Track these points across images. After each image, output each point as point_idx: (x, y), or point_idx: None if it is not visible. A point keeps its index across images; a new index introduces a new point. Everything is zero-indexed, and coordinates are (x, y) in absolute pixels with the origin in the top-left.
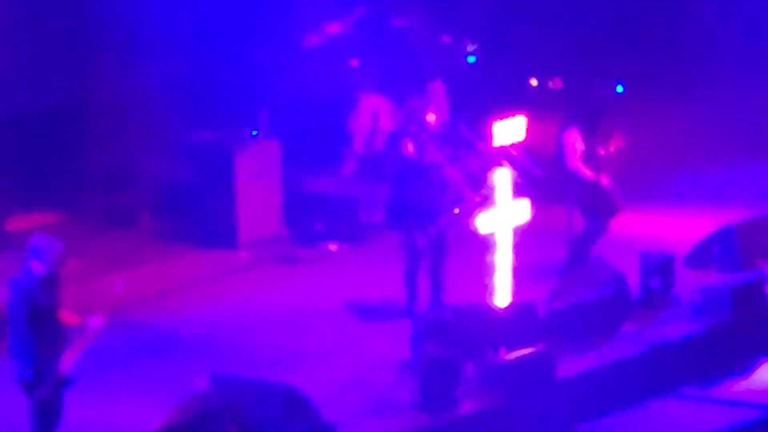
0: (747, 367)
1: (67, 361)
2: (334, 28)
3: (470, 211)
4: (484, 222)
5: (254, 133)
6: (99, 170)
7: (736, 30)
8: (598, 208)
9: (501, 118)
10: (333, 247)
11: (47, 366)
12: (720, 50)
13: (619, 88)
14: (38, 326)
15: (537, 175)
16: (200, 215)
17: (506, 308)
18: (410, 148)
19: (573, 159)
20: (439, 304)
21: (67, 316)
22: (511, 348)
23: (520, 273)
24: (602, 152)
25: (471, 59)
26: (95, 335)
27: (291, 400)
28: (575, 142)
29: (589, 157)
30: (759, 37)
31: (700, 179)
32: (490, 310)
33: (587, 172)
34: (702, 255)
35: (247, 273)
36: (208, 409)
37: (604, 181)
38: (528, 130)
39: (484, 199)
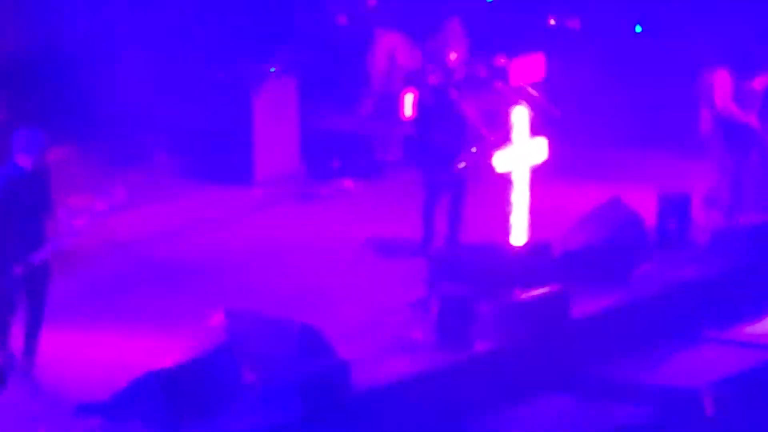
0: (763, 309)
1: (40, 254)
2: None
3: (488, 150)
4: (501, 161)
5: (272, 69)
6: (115, 106)
7: None
8: (744, 146)
9: (519, 57)
10: (349, 184)
11: (8, 265)
12: None
13: (638, 28)
14: (13, 221)
15: (554, 113)
16: (217, 152)
17: (522, 247)
18: (427, 85)
19: (724, 99)
20: (456, 243)
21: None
22: (526, 287)
23: (536, 212)
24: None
25: None
26: (117, 207)
27: (306, 338)
28: (725, 82)
29: (738, 96)
30: None
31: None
32: (506, 250)
33: (738, 112)
34: (718, 196)
35: (263, 210)
36: (222, 345)
37: (753, 120)
38: (546, 69)
39: (502, 137)
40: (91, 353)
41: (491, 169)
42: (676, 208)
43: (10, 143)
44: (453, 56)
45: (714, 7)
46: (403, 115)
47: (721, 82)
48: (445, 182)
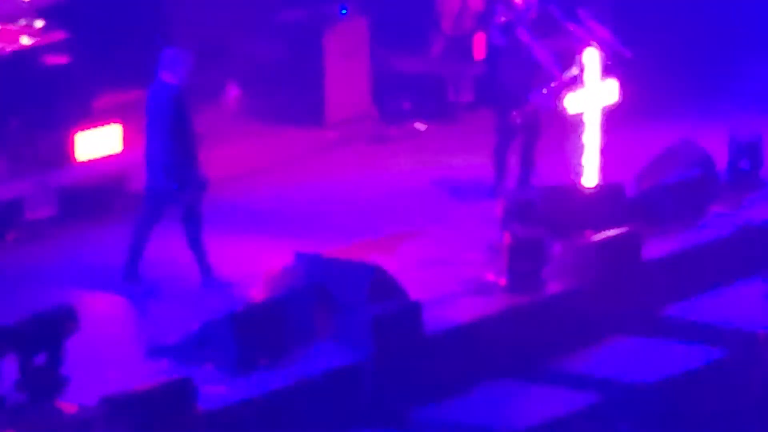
0: None
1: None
2: None
3: (559, 92)
4: (572, 102)
5: (343, 11)
6: (187, 47)
7: None
8: None
9: None
10: (421, 126)
11: (189, 172)
12: None
13: None
14: (181, 135)
15: (626, 55)
16: (289, 93)
17: (594, 189)
18: (499, 27)
19: None
20: (528, 185)
21: None
22: (598, 229)
23: (608, 153)
24: None
25: None
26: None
27: (377, 280)
28: None
29: None
30: None
31: None
32: (578, 191)
33: None
34: None
35: (335, 152)
36: (294, 287)
37: None
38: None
39: (573, 79)
40: (163, 294)
41: (563, 110)
42: (747, 148)
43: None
44: None
45: None
46: (475, 57)
47: None
48: (517, 124)
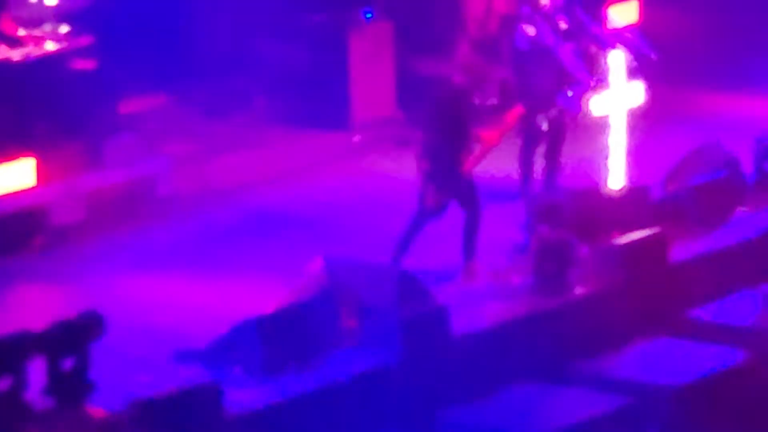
0: None
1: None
2: None
3: (585, 94)
4: (598, 105)
5: (368, 15)
6: (212, 52)
7: None
8: None
9: (616, 1)
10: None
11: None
12: None
13: None
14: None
15: (651, 57)
16: (314, 97)
17: (620, 191)
18: (525, 30)
19: None
20: (555, 187)
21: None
22: (624, 231)
23: (634, 156)
24: None
25: None
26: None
27: (405, 283)
28: None
29: None
30: None
31: None
32: (604, 193)
33: None
34: None
35: (361, 155)
36: (322, 290)
37: None
38: (642, 13)
39: (599, 81)
40: (191, 300)
41: (589, 113)
42: None
43: None
44: (550, 1)
45: None
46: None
47: None
48: (542, 126)
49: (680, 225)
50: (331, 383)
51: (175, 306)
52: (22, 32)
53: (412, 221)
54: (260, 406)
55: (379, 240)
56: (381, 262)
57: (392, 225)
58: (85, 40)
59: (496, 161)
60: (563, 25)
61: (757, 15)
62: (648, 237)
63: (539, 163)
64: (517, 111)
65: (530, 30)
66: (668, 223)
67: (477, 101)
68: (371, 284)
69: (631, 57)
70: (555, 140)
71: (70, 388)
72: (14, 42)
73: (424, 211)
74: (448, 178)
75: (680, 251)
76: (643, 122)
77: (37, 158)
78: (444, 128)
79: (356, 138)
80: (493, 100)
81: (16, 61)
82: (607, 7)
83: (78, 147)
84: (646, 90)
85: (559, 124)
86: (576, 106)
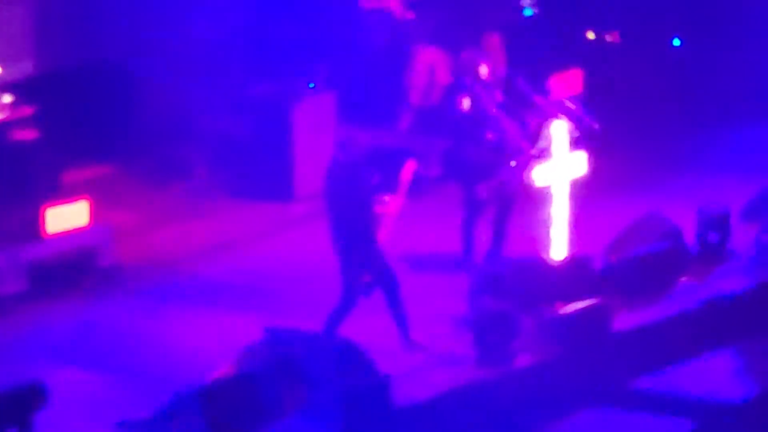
0: None
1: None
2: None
3: (527, 164)
4: (540, 175)
5: (311, 85)
6: (156, 123)
7: None
8: None
9: (558, 71)
10: (388, 200)
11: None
12: None
13: (677, 42)
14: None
15: (594, 128)
16: (256, 168)
17: (563, 261)
18: (467, 101)
19: None
20: (501, 257)
21: None
22: (566, 302)
23: (576, 226)
24: None
25: (528, 12)
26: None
27: (346, 354)
28: None
29: None
30: None
31: (759, 133)
32: (547, 264)
33: None
34: (758, 209)
35: (303, 226)
36: (264, 361)
37: None
38: (584, 83)
39: (542, 151)
40: (133, 370)
41: (531, 183)
42: (715, 221)
43: None
44: (491, 71)
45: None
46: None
47: None
48: (483, 197)
49: (622, 295)
50: None
51: (117, 376)
52: None
53: (343, 299)
54: None
55: (322, 311)
56: (323, 334)
57: (335, 297)
58: (28, 110)
59: (439, 232)
60: (505, 96)
61: (699, 86)
62: (590, 307)
63: (486, 233)
64: (409, 167)
65: (472, 100)
66: (610, 293)
67: (420, 172)
68: (313, 355)
69: (573, 127)
70: (502, 210)
71: None
72: None
73: (351, 291)
74: (365, 255)
75: (623, 322)
76: (585, 192)
77: None
78: (343, 209)
79: (298, 209)
80: (435, 171)
81: None
82: (549, 77)
83: (20, 216)
84: (589, 160)
85: (504, 194)
86: (518, 177)
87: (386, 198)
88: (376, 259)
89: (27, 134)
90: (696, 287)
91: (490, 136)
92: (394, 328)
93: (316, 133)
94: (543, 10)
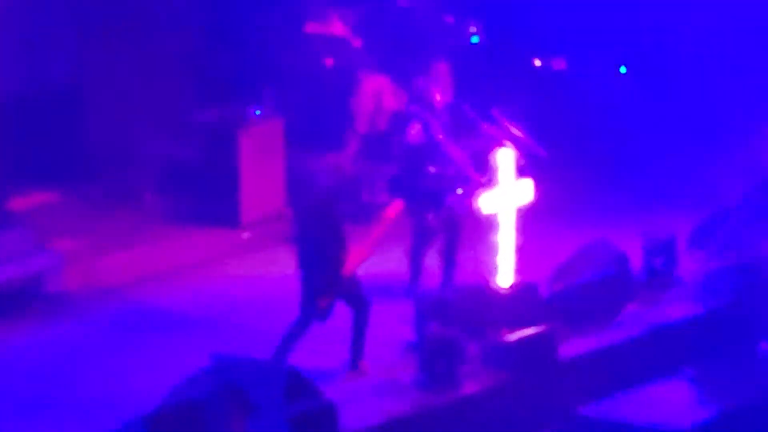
0: (748, 349)
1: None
2: (336, 25)
3: (474, 192)
4: (487, 202)
5: (257, 112)
6: (102, 149)
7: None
8: None
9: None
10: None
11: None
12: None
13: (623, 69)
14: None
15: (540, 154)
16: (203, 194)
17: (509, 289)
18: (414, 128)
19: None
20: (452, 285)
21: None
22: (513, 328)
23: (523, 253)
24: None
25: (474, 39)
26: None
27: (293, 381)
28: None
29: None
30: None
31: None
32: (493, 290)
33: None
34: (704, 236)
35: (250, 252)
36: (209, 389)
37: None
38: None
39: (488, 179)
40: (77, 397)
41: (478, 210)
42: (661, 247)
43: None
44: (439, 98)
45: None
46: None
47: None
48: (432, 224)
49: (569, 322)
50: None
51: (62, 403)
52: None
53: (296, 323)
54: None
55: (268, 338)
56: (269, 360)
57: (281, 323)
58: None
59: (386, 258)
60: (452, 123)
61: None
62: (537, 334)
63: (435, 261)
64: (396, 206)
65: (419, 127)
66: (557, 320)
67: (366, 198)
68: (259, 382)
69: (520, 154)
70: (451, 238)
71: None
72: None
73: (307, 315)
74: (329, 281)
75: (569, 348)
76: (531, 220)
77: None
78: (318, 233)
79: (245, 235)
80: (382, 197)
81: None
82: (495, 104)
83: None
84: (535, 187)
85: (452, 221)
86: (465, 204)
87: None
88: (345, 286)
89: None
90: (642, 314)
91: (438, 163)
92: (347, 352)
93: (262, 160)
94: (489, 38)
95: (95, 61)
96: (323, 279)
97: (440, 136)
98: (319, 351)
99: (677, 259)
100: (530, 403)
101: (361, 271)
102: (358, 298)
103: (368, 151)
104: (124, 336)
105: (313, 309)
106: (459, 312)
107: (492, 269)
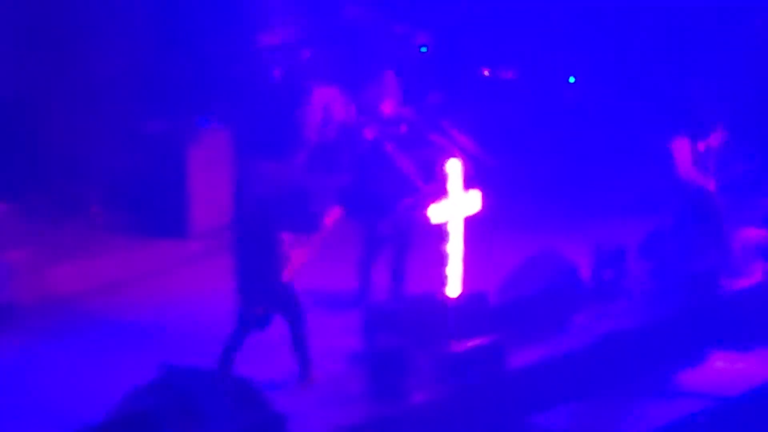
0: (698, 358)
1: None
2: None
3: (423, 202)
4: (436, 212)
5: (206, 123)
6: (50, 160)
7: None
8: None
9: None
10: (286, 236)
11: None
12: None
13: (571, 79)
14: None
15: (489, 164)
16: (152, 205)
17: (457, 298)
18: (363, 138)
19: (684, 167)
20: (401, 295)
21: None
22: (462, 338)
23: (471, 263)
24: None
25: (423, 50)
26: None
27: (242, 391)
28: (685, 150)
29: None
30: None
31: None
32: (442, 301)
33: (699, 179)
34: (652, 247)
35: (198, 263)
36: (159, 399)
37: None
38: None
39: (436, 189)
40: (27, 407)
41: (426, 220)
42: (611, 258)
43: None
44: (387, 108)
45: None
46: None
47: (680, 150)
48: (382, 234)
49: (518, 332)
50: None
51: (10, 415)
52: None
53: (234, 333)
54: None
55: (217, 349)
56: (218, 370)
57: (229, 331)
58: None
59: (334, 268)
60: (402, 133)
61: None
62: (485, 344)
63: (384, 270)
64: (334, 213)
65: (368, 137)
66: (506, 330)
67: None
68: (208, 392)
69: (468, 164)
70: (399, 248)
71: None
72: None
73: (245, 324)
74: (266, 289)
75: (518, 358)
76: (480, 229)
77: None
78: (255, 241)
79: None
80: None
81: None
82: (445, 115)
83: None
84: (484, 197)
85: (401, 231)
86: (414, 214)
87: (304, 238)
88: (281, 295)
89: None
90: (591, 324)
91: (387, 173)
92: (293, 364)
93: (211, 171)
94: (438, 48)
95: (42, 73)
96: (260, 287)
97: (389, 147)
98: (268, 361)
99: (626, 269)
100: (479, 413)
101: (307, 281)
102: (294, 307)
103: (317, 162)
104: (73, 346)
105: (250, 317)
106: (407, 322)
107: (441, 279)
